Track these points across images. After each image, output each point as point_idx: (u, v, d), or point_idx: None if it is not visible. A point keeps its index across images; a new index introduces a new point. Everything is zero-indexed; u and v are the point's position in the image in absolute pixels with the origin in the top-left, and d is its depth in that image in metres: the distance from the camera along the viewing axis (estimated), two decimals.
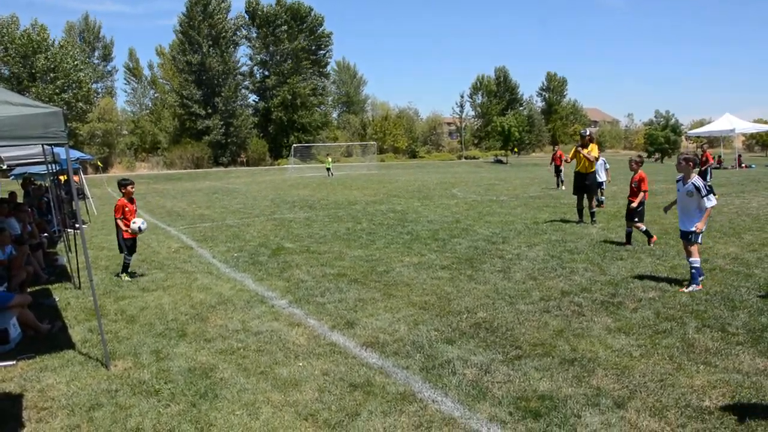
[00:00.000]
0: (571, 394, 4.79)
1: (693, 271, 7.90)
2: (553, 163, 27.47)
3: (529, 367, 5.40)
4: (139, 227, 9.66)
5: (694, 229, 7.78)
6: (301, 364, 5.68)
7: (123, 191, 9.83)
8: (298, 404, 4.79)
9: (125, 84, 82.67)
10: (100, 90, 75.22)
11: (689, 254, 7.97)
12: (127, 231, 9.64)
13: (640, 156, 12.12)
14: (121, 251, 9.87)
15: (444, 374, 5.30)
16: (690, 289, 7.77)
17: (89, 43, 75.22)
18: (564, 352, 5.74)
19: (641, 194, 11.05)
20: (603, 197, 18.53)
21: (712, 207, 7.83)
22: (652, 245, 11.01)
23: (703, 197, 7.78)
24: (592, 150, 14.03)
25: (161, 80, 79.20)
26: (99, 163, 35.83)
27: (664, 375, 5.12)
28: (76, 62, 59.17)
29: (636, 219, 11.07)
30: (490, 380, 5.14)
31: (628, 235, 11.27)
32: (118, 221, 9.73)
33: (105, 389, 5.21)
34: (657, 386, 4.89)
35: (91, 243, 13.46)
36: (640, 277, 8.60)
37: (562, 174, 26.17)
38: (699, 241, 7.96)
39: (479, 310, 7.20)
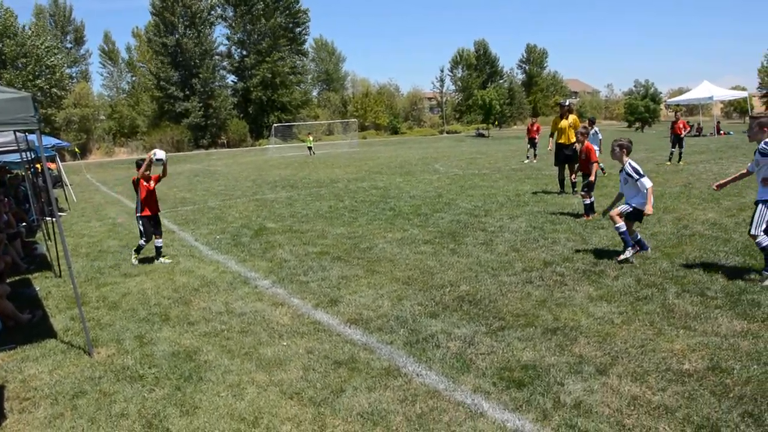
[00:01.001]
0: (553, 363, 4.83)
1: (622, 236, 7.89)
2: (528, 136, 26.99)
3: (513, 337, 5.44)
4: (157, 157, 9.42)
5: (646, 210, 7.69)
6: (285, 343, 5.68)
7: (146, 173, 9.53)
8: (283, 383, 4.80)
9: (101, 68, 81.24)
10: (74, 75, 74.03)
11: (615, 221, 7.89)
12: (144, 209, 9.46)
13: (585, 128, 12.18)
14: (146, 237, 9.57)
15: (428, 348, 5.32)
16: (625, 255, 7.76)
17: (60, 26, 73.83)
18: (546, 322, 5.78)
19: (594, 165, 11.07)
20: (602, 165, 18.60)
21: (651, 187, 7.71)
22: (584, 220, 10.79)
23: (637, 181, 7.75)
24: (575, 122, 14.07)
25: (138, 63, 78.06)
26: (76, 150, 35.35)
27: (645, 340, 5.17)
28: (47, 46, 58.00)
29: (586, 190, 11.10)
30: (473, 352, 5.16)
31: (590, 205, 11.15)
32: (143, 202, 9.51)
33: (88, 377, 5.18)
34: (638, 352, 4.94)
35: (70, 231, 13.34)
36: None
37: (537, 147, 26.03)
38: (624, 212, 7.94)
39: (462, 283, 7.23)
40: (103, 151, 64.48)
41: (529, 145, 26.56)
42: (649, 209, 7.68)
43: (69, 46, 75.13)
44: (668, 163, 21.12)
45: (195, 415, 4.37)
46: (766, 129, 6.81)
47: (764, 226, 6.46)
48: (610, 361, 4.80)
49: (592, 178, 11.11)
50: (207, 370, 5.17)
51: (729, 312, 5.73)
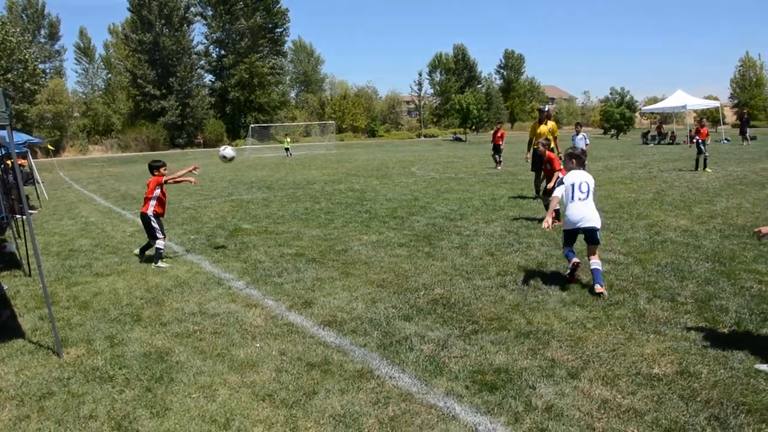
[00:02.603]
0: (526, 367, 4.86)
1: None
2: (492, 143, 26.62)
3: (486, 341, 5.46)
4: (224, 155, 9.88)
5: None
6: (258, 344, 5.65)
7: (156, 173, 9.59)
8: (255, 385, 4.76)
9: (76, 64, 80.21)
10: (48, 70, 72.93)
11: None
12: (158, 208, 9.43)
13: (547, 139, 12.28)
14: (153, 234, 9.32)
15: (401, 350, 5.32)
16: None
17: (34, 21, 72.69)
18: (520, 326, 5.81)
19: (556, 174, 11.12)
20: None
21: (555, 197, 7.42)
22: (557, 225, 9.50)
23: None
24: (553, 128, 14.15)
25: (114, 60, 77.13)
26: (50, 147, 34.83)
27: (617, 345, 5.23)
28: (18, 40, 57.00)
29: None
30: (446, 355, 5.18)
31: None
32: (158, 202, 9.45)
33: (57, 377, 5.10)
34: (609, 356, 4.99)
35: (41, 229, 13.13)
36: None
37: (502, 154, 25.76)
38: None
39: (437, 287, 7.25)
40: (77, 148, 63.57)
41: (493, 152, 26.20)
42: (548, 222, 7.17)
43: (43, 41, 74.02)
44: (707, 170, 20.45)
45: (165, 416, 4.32)
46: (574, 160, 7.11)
47: None
48: (582, 365, 4.84)
49: (550, 185, 11.15)
50: (178, 371, 5.11)
51: (698, 317, 5.82)
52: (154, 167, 9.67)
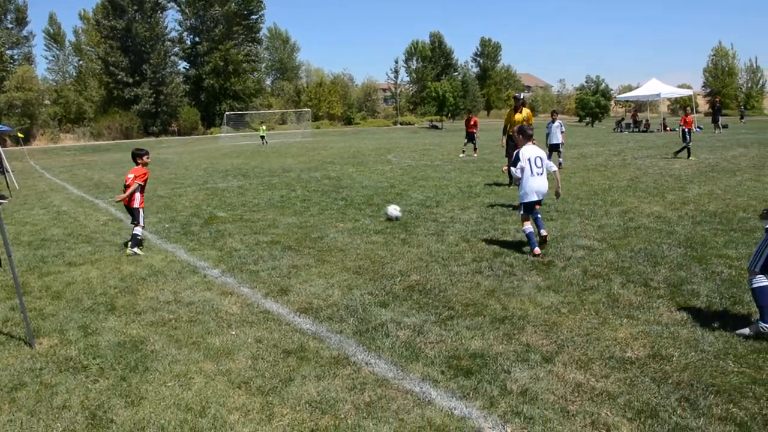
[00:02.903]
0: (501, 351, 4.89)
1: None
2: (466, 131, 26.78)
3: (461, 326, 5.49)
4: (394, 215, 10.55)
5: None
6: (233, 332, 5.62)
7: (140, 161, 9.67)
8: (231, 373, 4.74)
9: (46, 51, 78.56)
10: (16, 57, 71.40)
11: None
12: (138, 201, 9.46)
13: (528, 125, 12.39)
14: (137, 220, 9.38)
15: (377, 337, 5.33)
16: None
17: (0, 6, 70.98)
18: (495, 311, 5.85)
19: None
20: (561, 159, 18.89)
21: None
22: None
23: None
24: (528, 115, 14.23)
25: (86, 47, 75.71)
26: (19, 135, 34.22)
27: (590, 329, 5.29)
28: None
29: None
30: (422, 341, 5.19)
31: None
32: (132, 183, 9.42)
33: (28, 368, 5.02)
34: (583, 340, 5.05)
35: (11, 218, 12.92)
36: (570, 237, 8.83)
37: (476, 141, 25.96)
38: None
39: (413, 273, 7.26)
40: (47, 137, 62.40)
41: (466, 140, 26.30)
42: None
43: (9, 26, 72.35)
44: (692, 158, 20.44)
45: (140, 405, 4.29)
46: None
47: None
48: (556, 350, 4.89)
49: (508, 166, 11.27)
50: (153, 360, 5.07)
51: (670, 302, 5.91)
52: (137, 155, 9.75)
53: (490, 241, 8.76)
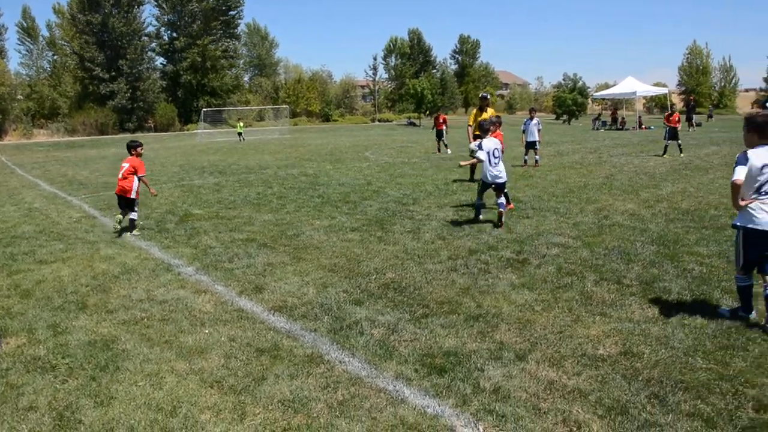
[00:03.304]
0: (475, 349, 4.91)
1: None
2: (435, 128, 26.96)
3: (436, 324, 5.49)
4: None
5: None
6: (207, 331, 5.57)
7: (134, 152, 10.21)
8: (204, 372, 4.70)
9: (19, 45, 77.04)
10: None
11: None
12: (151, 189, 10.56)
13: (498, 117, 12.57)
14: (131, 206, 10.13)
15: (352, 335, 5.32)
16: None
17: None
18: (469, 309, 5.86)
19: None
20: (538, 156, 19.01)
21: (479, 159, 9.74)
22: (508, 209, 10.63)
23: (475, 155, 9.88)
24: (492, 114, 14.45)
25: (60, 41, 74.49)
26: None
27: (564, 327, 5.32)
28: None
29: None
30: (397, 339, 5.19)
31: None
32: (144, 179, 10.21)
33: None
34: (556, 338, 5.08)
35: None
36: (545, 234, 8.88)
37: (444, 138, 26.05)
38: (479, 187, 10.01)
39: (388, 271, 7.26)
40: (20, 132, 61.27)
41: (437, 138, 26.47)
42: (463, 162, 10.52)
43: None
44: (666, 156, 20.73)
45: (110, 405, 4.23)
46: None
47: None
48: (530, 347, 4.91)
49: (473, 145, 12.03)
50: (125, 359, 5.01)
51: (642, 299, 5.97)
52: (132, 146, 10.29)
53: (466, 239, 8.78)
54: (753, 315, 5.35)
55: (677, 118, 21.53)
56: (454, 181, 15.42)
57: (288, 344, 5.17)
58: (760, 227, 5.15)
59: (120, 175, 10.04)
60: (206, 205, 12.90)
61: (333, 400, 4.19)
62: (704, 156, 20.58)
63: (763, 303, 5.31)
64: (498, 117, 12.44)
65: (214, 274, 7.46)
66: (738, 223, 5.33)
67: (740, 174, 5.17)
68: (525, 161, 18.84)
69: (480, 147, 9.73)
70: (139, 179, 10.11)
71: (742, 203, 5.25)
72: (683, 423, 3.72)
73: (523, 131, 19.40)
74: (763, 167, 5.15)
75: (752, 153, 5.21)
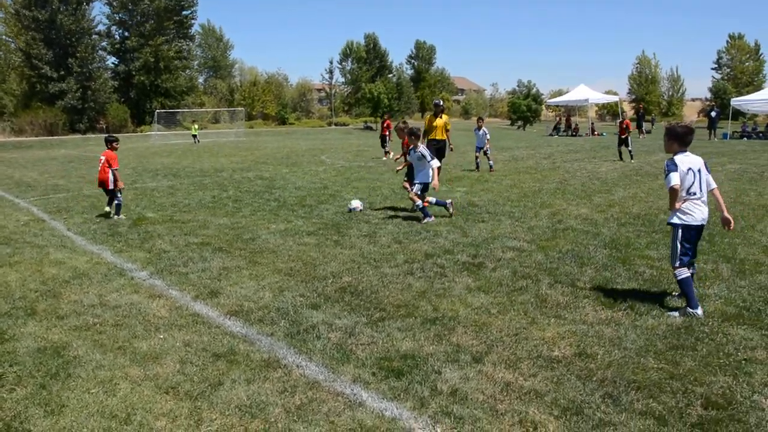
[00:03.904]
0: (432, 352, 4.94)
1: (421, 208, 10.49)
2: (381, 134, 27.01)
3: (393, 328, 5.51)
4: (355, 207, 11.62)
5: (430, 182, 10.62)
6: (161, 336, 5.48)
7: (110, 147, 11.73)
8: (159, 378, 4.62)
9: None
10: None
11: (414, 200, 10.55)
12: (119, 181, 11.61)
13: (405, 121, 12.96)
14: (113, 195, 11.59)
15: (309, 339, 5.30)
16: (425, 221, 10.27)
17: None
18: (426, 312, 5.90)
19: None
20: (491, 162, 19.28)
21: (438, 167, 10.77)
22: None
23: (428, 162, 10.57)
24: (446, 120, 15.21)
25: (4, 37, 72.13)
26: None
27: (519, 329, 5.39)
28: None
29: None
30: (354, 343, 5.19)
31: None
32: (115, 171, 11.44)
33: None
34: (512, 340, 5.14)
35: None
36: (500, 238, 8.99)
37: (387, 144, 25.99)
38: (417, 191, 10.54)
39: (345, 275, 7.25)
40: None
41: (381, 143, 26.46)
42: (435, 184, 10.64)
43: None
44: (621, 161, 21.66)
45: (61, 414, 4.12)
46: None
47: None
48: (486, 350, 4.97)
49: (399, 156, 13.56)
50: (76, 366, 4.89)
51: (595, 301, 6.09)
52: (109, 141, 11.95)
53: (422, 243, 8.83)
54: (699, 311, 5.61)
55: (626, 125, 22.22)
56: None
57: (244, 349, 5.12)
58: (695, 223, 5.72)
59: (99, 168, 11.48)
60: (160, 208, 12.70)
61: (290, 404, 4.16)
62: (653, 162, 21.12)
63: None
64: (417, 129, 12.61)
65: (168, 279, 7.35)
66: (675, 221, 5.80)
67: (676, 179, 5.67)
68: (477, 165, 19.23)
69: (433, 156, 10.82)
70: (112, 171, 11.29)
71: (678, 205, 5.74)
72: (636, 421, 3.81)
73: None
74: (688, 170, 5.71)
75: (677, 159, 5.75)
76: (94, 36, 69.79)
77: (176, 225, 10.68)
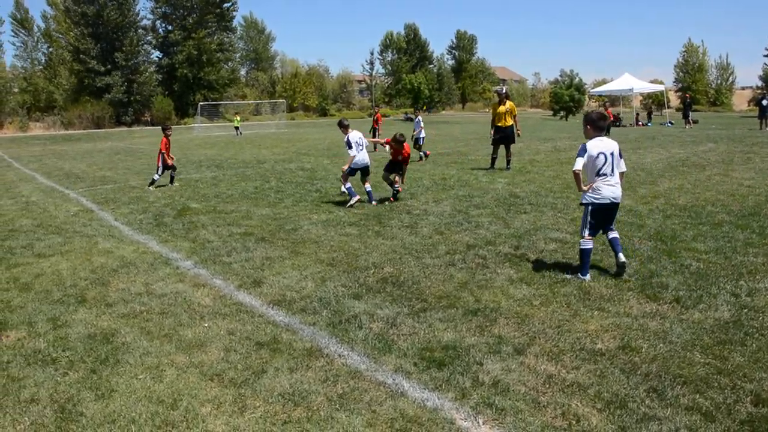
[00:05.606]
0: (473, 343, 4.93)
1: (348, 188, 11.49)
2: (372, 126, 26.94)
3: (434, 318, 5.51)
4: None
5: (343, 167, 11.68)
6: (206, 324, 5.58)
7: (164, 134, 15.42)
8: (204, 365, 4.71)
9: (13, 37, 76.22)
10: None
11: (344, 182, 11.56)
12: (170, 159, 15.24)
13: (402, 135, 12.99)
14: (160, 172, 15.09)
15: (350, 329, 5.33)
16: (350, 203, 11.26)
17: None
18: (468, 304, 5.88)
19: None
20: (422, 151, 20.28)
21: (353, 156, 11.54)
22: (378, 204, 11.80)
23: (348, 151, 11.57)
24: (511, 107, 15.95)
25: (55, 33, 73.89)
26: None
27: (562, 321, 5.34)
28: None
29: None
30: (395, 333, 5.21)
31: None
32: (161, 154, 15.03)
33: None
34: (554, 332, 5.10)
35: None
36: (542, 229, 8.90)
37: (377, 135, 25.71)
38: (347, 172, 11.53)
39: (386, 265, 7.27)
40: (16, 125, 60.94)
41: (371, 134, 26.08)
42: (344, 168, 11.61)
43: None
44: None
45: (111, 398, 4.24)
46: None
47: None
48: (528, 341, 4.93)
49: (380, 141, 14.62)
50: (125, 352, 5.02)
51: (640, 294, 5.99)
52: (163, 128, 15.80)
53: (463, 234, 8.80)
54: (588, 277, 6.41)
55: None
56: (460, 177, 15.41)
57: (287, 338, 5.19)
58: (603, 201, 6.41)
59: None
60: (204, 199, 12.90)
61: (333, 393, 4.21)
62: (701, 153, 20.61)
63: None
64: (402, 135, 12.70)
65: (212, 268, 7.47)
66: (585, 201, 6.50)
67: (579, 165, 6.44)
68: (426, 154, 20.29)
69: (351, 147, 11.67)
70: (160, 152, 15.07)
71: (585, 187, 6.47)
72: (682, 417, 3.74)
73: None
74: (598, 155, 6.36)
75: (589, 144, 6.44)
76: (139, 30, 71.04)
77: (220, 215, 10.85)
